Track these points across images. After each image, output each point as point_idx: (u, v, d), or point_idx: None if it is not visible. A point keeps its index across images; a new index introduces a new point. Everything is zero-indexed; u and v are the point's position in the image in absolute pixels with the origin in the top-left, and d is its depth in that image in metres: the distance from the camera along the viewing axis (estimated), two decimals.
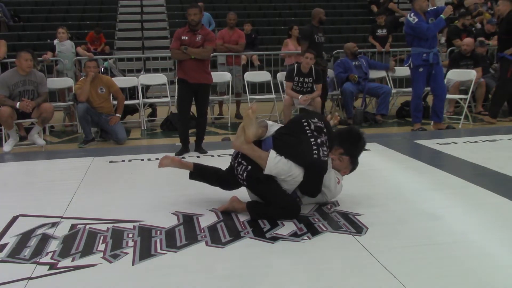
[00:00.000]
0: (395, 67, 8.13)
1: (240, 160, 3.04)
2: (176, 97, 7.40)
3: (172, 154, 5.02)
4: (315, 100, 6.31)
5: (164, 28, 12.81)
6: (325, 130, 3.06)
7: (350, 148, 3.19)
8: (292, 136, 3.03)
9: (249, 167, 2.98)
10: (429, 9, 6.23)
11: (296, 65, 6.65)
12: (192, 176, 3.36)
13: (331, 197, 3.25)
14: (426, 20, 6.14)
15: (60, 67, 7.59)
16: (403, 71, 7.83)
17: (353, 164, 3.30)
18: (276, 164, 2.91)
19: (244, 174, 3.00)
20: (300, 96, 6.34)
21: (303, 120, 3.09)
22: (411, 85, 6.58)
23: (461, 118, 6.80)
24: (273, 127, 3.13)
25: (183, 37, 5.03)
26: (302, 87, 6.43)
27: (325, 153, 2.97)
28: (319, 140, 2.97)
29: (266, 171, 2.92)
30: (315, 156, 2.91)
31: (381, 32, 8.95)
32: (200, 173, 3.35)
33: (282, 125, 3.24)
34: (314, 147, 2.93)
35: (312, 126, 3.03)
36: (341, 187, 3.25)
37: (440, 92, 6.39)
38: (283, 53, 8.51)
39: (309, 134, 2.99)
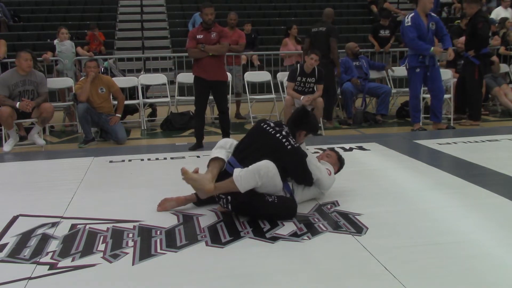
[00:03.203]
0: (393, 67, 8.16)
1: (218, 195, 3.02)
2: (177, 96, 7.50)
3: (173, 156, 5.03)
4: (316, 101, 6.31)
5: (164, 28, 12.81)
6: (283, 123, 3.26)
7: (306, 125, 3.30)
8: (257, 142, 3.12)
9: (229, 197, 2.97)
10: (433, 14, 6.21)
11: (299, 65, 6.66)
12: (198, 204, 3.31)
13: (325, 188, 3.31)
14: (427, 23, 6.09)
15: (60, 67, 7.59)
16: (402, 71, 7.83)
17: (340, 161, 3.56)
18: (243, 177, 2.86)
19: (229, 206, 2.99)
20: (302, 96, 6.35)
21: (261, 124, 3.22)
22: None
23: (450, 117, 6.82)
24: (225, 146, 3.16)
25: (198, 36, 5.20)
26: (304, 87, 6.43)
27: (294, 140, 3.13)
28: (284, 132, 3.13)
29: (242, 191, 2.88)
30: (289, 147, 3.06)
31: (384, 33, 8.93)
32: (203, 200, 3.27)
33: (235, 141, 3.27)
34: (283, 140, 3.08)
35: (272, 124, 3.19)
36: (333, 178, 3.37)
37: (437, 92, 6.40)
38: (284, 53, 8.50)
39: (272, 132, 3.12)
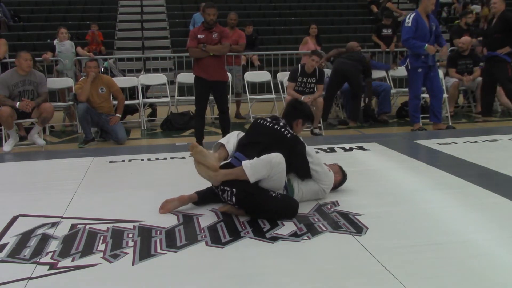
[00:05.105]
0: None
1: (222, 187, 3.03)
2: (177, 96, 7.50)
3: (173, 156, 5.03)
4: (317, 101, 6.32)
5: (164, 28, 12.81)
6: (280, 117, 3.40)
7: (300, 113, 3.40)
8: (257, 135, 3.21)
9: (234, 190, 2.96)
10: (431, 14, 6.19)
11: (299, 65, 6.67)
12: (198, 203, 3.30)
13: (327, 183, 3.33)
14: (428, 24, 6.06)
15: (60, 67, 7.60)
16: (403, 71, 7.83)
17: (342, 172, 3.56)
18: (253, 166, 2.91)
19: (233, 199, 2.98)
20: (303, 96, 6.35)
21: (258, 120, 3.34)
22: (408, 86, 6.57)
23: (448, 117, 6.82)
24: (231, 140, 3.23)
25: (200, 36, 5.23)
26: (305, 87, 6.44)
27: (292, 130, 3.25)
28: (281, 123, 3.26)
29: (252, 180, 2.92)
30: (289, 135, 3.17)
31: (387, 31, 8.93)
32: (204, 199, 3.30)
33: (240, 132, 3.35)
34: (283, 129, 3.18)
35: (268, 119, 3.30)
36: (332, 175, 3.41)
37: (437, 92, 6.39)
38: (301, 53, 8.42)
39: (270, 125, 3.22)
